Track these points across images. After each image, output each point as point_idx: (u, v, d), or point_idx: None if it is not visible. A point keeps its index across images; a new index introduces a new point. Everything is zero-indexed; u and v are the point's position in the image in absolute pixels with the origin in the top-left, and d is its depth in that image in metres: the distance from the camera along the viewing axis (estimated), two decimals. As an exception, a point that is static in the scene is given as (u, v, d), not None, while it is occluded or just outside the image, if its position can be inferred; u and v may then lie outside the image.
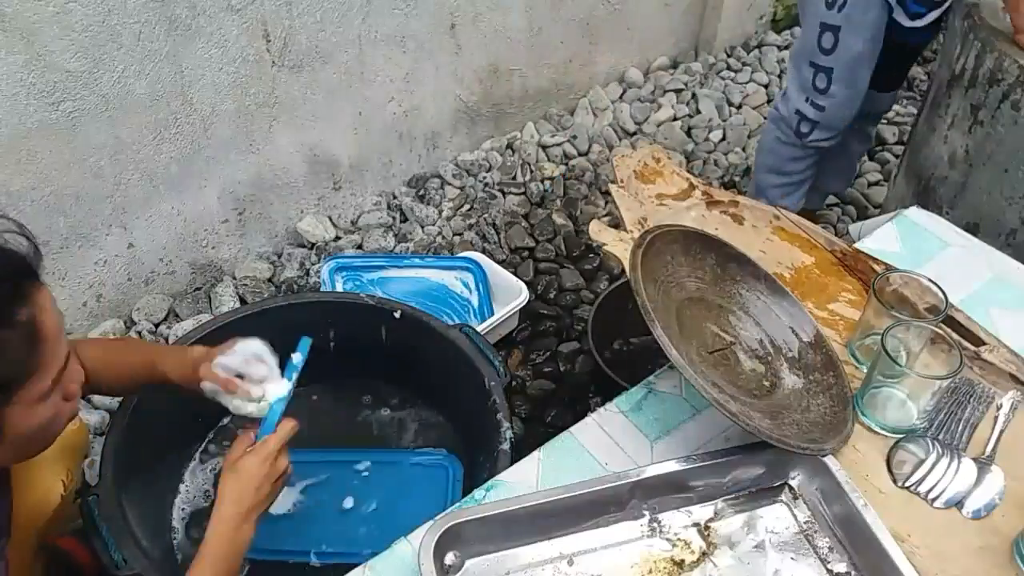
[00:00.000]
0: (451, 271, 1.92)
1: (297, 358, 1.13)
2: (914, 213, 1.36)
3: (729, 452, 0.95)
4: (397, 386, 1.61)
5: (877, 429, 1.02)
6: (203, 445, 1.50)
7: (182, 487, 1.44)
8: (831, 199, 2.35)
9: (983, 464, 0.98)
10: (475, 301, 1.89)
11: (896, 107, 2.64)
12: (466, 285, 1.91)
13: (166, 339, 1.84)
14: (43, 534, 1.15)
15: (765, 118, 2.63)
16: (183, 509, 1.41)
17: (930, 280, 1.07)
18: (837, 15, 1.74)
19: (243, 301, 1.94)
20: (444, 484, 1.45)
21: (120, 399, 1.30)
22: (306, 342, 1.15)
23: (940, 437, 1.01)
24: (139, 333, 1.84)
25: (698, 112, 2.62)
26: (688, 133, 2.55)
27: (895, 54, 1.82)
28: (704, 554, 0.92)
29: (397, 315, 1.48)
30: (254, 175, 1.95)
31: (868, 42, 1.75)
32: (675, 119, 2.59)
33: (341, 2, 1.86)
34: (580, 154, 2.45)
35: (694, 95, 2.68)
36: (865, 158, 2.50)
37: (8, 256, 0.86)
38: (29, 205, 1.62)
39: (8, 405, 0.83)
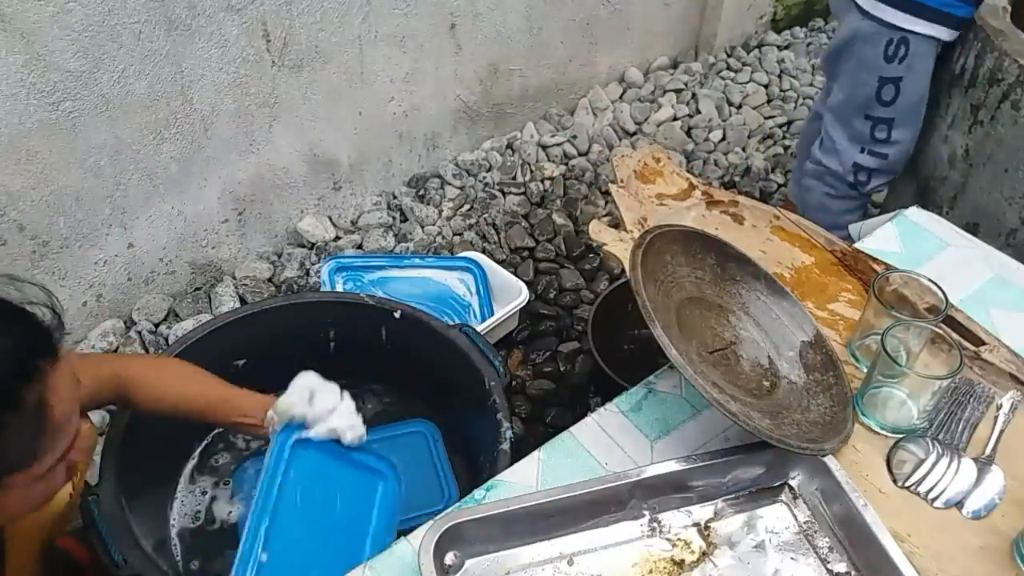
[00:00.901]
0: (451, 271, 1.92)
1: None
2: (914, 213, 1.36)
3: (729, 452, 0.95)
4: (397, 386, 1.61)
5: (877, 429, 1.02)
6: (203, 445, 1.50)
7: (182, 487, 1.44)
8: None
9: (983, 464, 0.98)
10: (475, 301, 1.89)
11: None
12: (466, 285, 1.91)
13: (166, 339, 1.84)
14: (49, 535, 1.14)
15: (767, 118, 2.63)
16: (183, 509, 1.41)
17: (930, 280, 1.07)
18: (899, 67, 1.69)
19: (243, 301, 1.94)
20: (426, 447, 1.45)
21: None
22: None
23: (940, 437, 1.01)
24: (139, 333, 1.84)
25: (698, 112, 2.62)
26: (688, 133, 2.55)
27: None
28: (704, 554, 0.92)
29: (397, 315, 1.48)
30: (254, 175, 1.95)
31: (925, 87, 1.72)
32: (675, 119, 2.59)
33: (341, 2, 1.86)
34: (580, 154, 2.45)
35: (694, 95, 2.68)
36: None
37: (27, 327, 0.77)
38: (29, 205, 1.62)
39: (1, 491, 0.75)
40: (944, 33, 1.63)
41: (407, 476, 1.27)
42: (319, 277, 1.92)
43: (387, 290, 1.85)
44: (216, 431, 1.52)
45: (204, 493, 1.43)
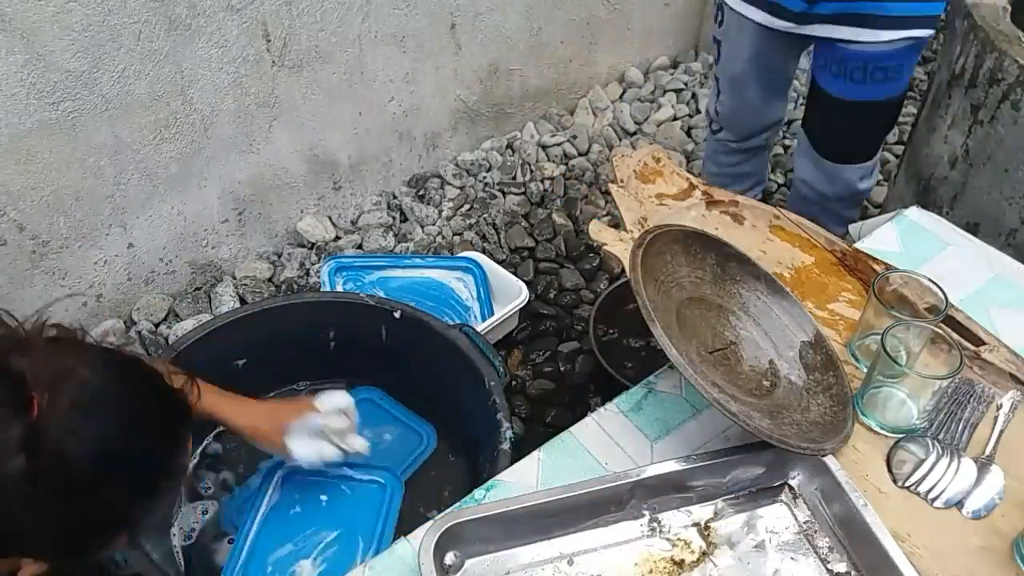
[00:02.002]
0: (451, 271, 1.92)
1: None
2: (914, 213, 1.36)
3: (729, 452, 0.95)
4: (397, 386, 1.61)
5: (877, 429, 1.02)
6: (204, 445, 1.50)
7: (182, 487, 1.44)
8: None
9: (983, 464, 0.98)
10: (475, 301, 1.89)
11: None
12: (466, 285, 1.91)
13: (166, 339, 1.84)
14: None
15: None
16: (183, 509, 1.41)
17: (930, 280, 1.07)
18: (719, 30, 1.75)
19: (243, 301, 1.94)
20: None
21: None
22: None
23: (940, 437, 1.01)
24: (139, 333, 1.84)
25: (698, 112, 2.62)
26: (688, 133, 2.55)
27: (842, 115, 1.67)
28: (704, 554, 0.92)
29: (397, 315, 1.48)
30: (254, 175, 1.95)
31: (746, 62, 1.73)
32: (675, 119, 2.59)
33: (341, 2, 1.86)
34: (580, 154, 2.45)
35: (694, 95, 2.68)
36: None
37: (180, 403, 0.83)
38: (29, 205, 1.62)
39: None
40: (757, 15, 1.63)
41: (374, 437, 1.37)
42: (319, 277, 1.92)
43: (387, 290, 1.85)
44: (217, 430, 1.52)
45: (207, 491, 1.43)
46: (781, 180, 2.42)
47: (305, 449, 1.20)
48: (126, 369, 0.79)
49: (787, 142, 2.57)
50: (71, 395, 0.71)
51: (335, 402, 1.21)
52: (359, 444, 1.25)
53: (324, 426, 1.21)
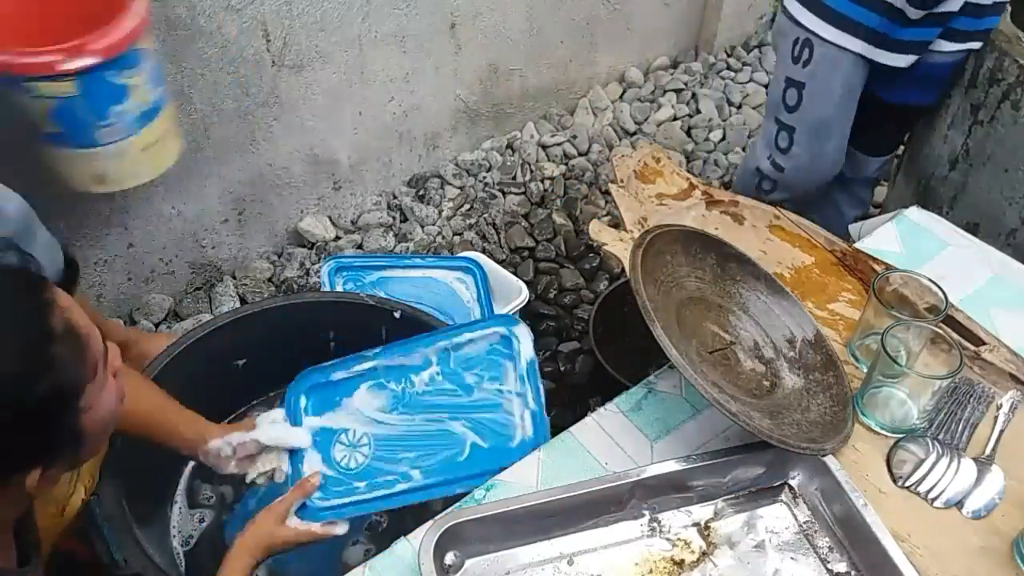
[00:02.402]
0: (451, 271, 1.92)
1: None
2: (914, 213, 1.36)
3: (729, 452, 0.95)
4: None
5: (877, 429, 1.02)
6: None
7: (182, 487, 1.44)
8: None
9: (983, 464, 0.98)
10: (475, 302, 1.89)
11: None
12: (467, 287, 1.91)
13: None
14: (61, 539, 1.14)
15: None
16: (183, 509, 1.41)
17: (930, 280, 1.07)
18: (803, 71, 1.56)
19: (243, 301, 1.94)
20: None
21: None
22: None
23: (940, 437, 1.01)
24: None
25: (698, 112, 2.62)
26: (688, 133, 2.55)
27: (884, 114, 1.67)
28: (704, 554, 0.92)
29: (397, 315, 1.48)
30: (254, 175, 1.95)
31: (836, 106, 1.59)
32: (675, 119, 2.59)
33: (341, 2, 1.86)
34: (580, 154, 2.45)
35: (694, 95, 2.68)
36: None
37: (13, 273, 0.82)
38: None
39: (79, 414, 0.81)
40: (856, 45, 1.49)
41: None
42: (319, 277, 1.92)
43: (387, 290, 1.85)
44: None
45: (207, 498, 1.43)
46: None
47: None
48: None
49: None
50: None
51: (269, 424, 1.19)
52: (251, 476, 1.19)
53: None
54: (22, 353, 0.75)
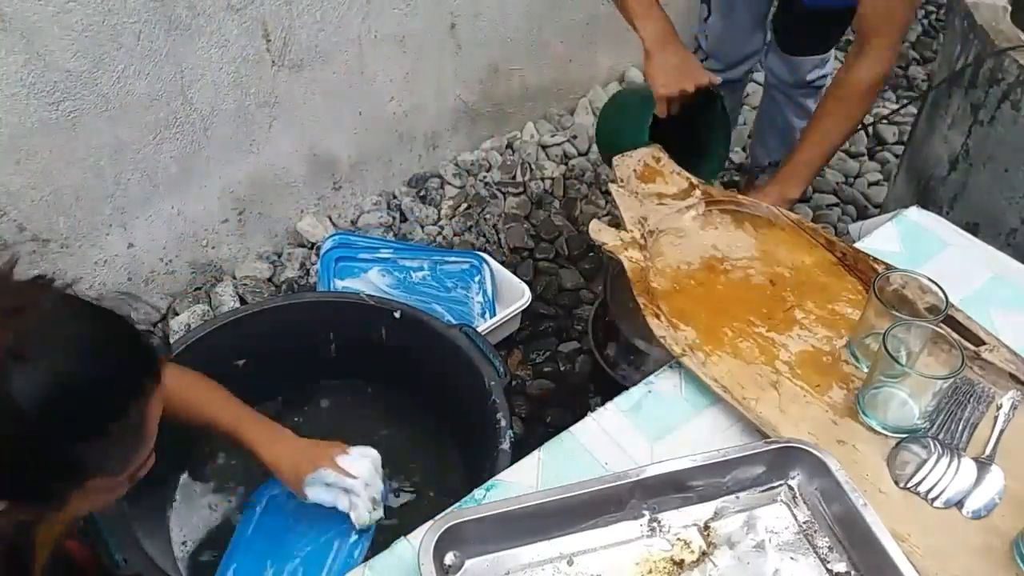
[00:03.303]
0: (457, 265, 1.92)
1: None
2: (914, 213, 1.36)
3: (729, 452, 0.95)
4: (397, 386, 1.61)
5: (878, 429, 1.02)
6: (204, 445, 1.50)
7: (182, 487, 1.44)
8: (830, 199, 2.34)
9: (983, 464, 0.98)
10: (479, 300, 1.89)
11: (896, 107, 2.64)
12: (470, 283, 1.91)
13: (165, 339, 1.84)
14: (61, 540, 1.14)
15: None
16: (183, 510, 1.41)
17: (930, 280, 1.07)
18: None
19: (243, 301, 1.94)
20: None
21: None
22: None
23: (940, 437, 1.01)
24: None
25: (698, 112, 2.62)
26: (688, 133, 2.55)
27: (807, 19, 1.88)
28: (704, 554, 0.92)
29: (397, 315, 1.48)
30: (254, 175, 1.95)
31: None
32: (675, 119, 2.59)
33: (341, 2, 1.86)
34: (580, 154, 2.45)
35: (694, 95, 2.67)
36: (865, 157, 2.49)
37: (143, 347, 0.84)
38: (29, 205, 1.62)
39: (79, 489, 0.78)
40: None
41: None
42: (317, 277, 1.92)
43: (391, 284, 1.86)
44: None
45: (208, 498, 1.43)
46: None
47: (321, 496, 1.19)
48: (87, 308, 0.82)
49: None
50: (24, 326, 0.73)
51: (358, 468, 1.19)
52: (363, 518, 1.20)
53: (339, 484, 1.19)
54: (84, 401, 0.74)
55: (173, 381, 1.15)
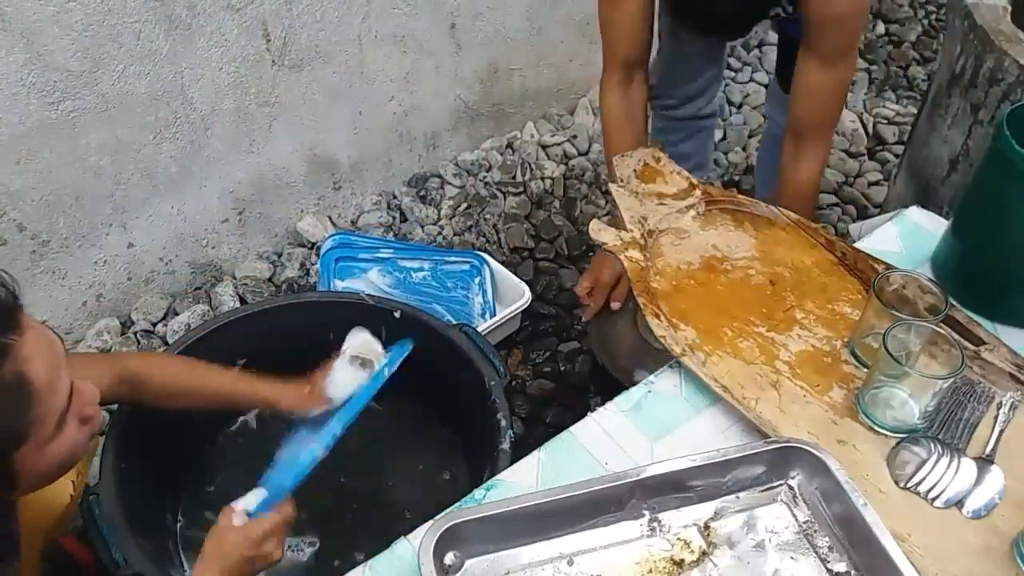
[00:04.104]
0: (457, 265, 1.92)
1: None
2: (914, 213, 1.36)
3: (729, 452, 0.95)
4: (396, 386, 1.60)
5: (879, 429, 1.02)
6: (204, 445, 1.50)
7: (182, 487, 1.44)
8: (830, 199, 2.34)
9: (983, 464, 0.98)
10: (479, 300, 1.89)
11: (896, 107, 2.64)
12: (470, 283, 1.91)
13: (163, 338, 1.84)
14: (50, 535, 1.14)
15: (765, 117, 2.63)
16: (183, 509, 1.41)
17: (930, 280, 1.07)
18: None
19: (243, 301, 1.94)
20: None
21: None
22: (403, 348, 1.25)
23: (940, 437, 1.01)
24: (135, 333, 1.85)
25: (698, 112, 2.62)
26: (688, 133, 2.55)
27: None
28: (704, 554, 0.92)
29: (397, 315, 1.48)
30: (254, 175, 1.95)
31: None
32: (675, 119, 2.59)
33: (341, 2, 1.86)
34: (580, 154, 2.45)
35: (694, 95, 2.67)
36: (865, 157, 2.50)
37: None
38: (29, 205, 1.62)
39: (13, 462, 0.77)
40: None
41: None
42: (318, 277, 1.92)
43: (391, 284, 1.86)
44: (218, 428, 1.52)
45: (205, 493, 1.43)
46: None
47: (340, 388, 1.21)
48: None
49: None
50: None
51: (355, 341, 1.23)
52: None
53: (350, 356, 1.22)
54: None
55: (147, 364, 1.16)
